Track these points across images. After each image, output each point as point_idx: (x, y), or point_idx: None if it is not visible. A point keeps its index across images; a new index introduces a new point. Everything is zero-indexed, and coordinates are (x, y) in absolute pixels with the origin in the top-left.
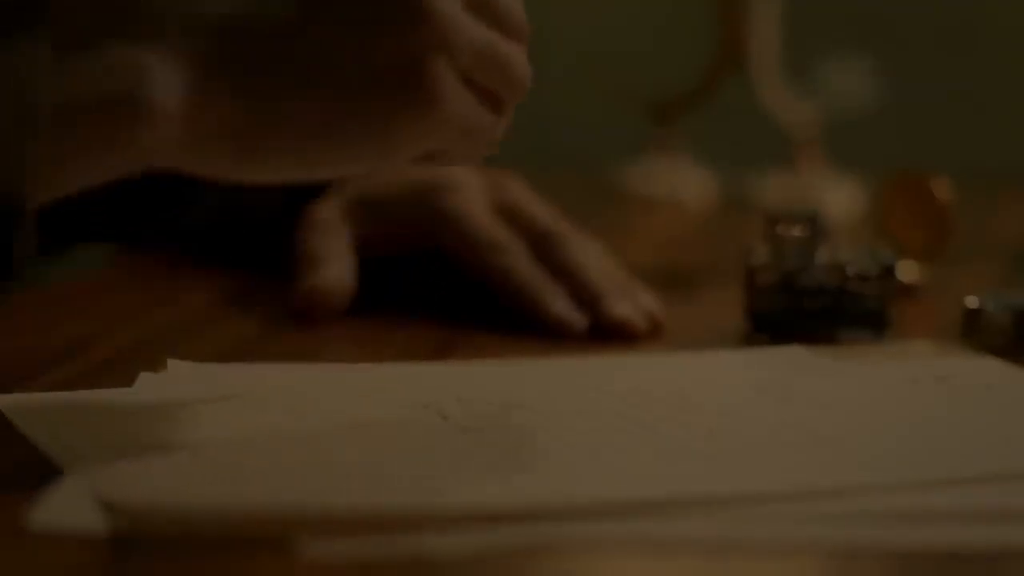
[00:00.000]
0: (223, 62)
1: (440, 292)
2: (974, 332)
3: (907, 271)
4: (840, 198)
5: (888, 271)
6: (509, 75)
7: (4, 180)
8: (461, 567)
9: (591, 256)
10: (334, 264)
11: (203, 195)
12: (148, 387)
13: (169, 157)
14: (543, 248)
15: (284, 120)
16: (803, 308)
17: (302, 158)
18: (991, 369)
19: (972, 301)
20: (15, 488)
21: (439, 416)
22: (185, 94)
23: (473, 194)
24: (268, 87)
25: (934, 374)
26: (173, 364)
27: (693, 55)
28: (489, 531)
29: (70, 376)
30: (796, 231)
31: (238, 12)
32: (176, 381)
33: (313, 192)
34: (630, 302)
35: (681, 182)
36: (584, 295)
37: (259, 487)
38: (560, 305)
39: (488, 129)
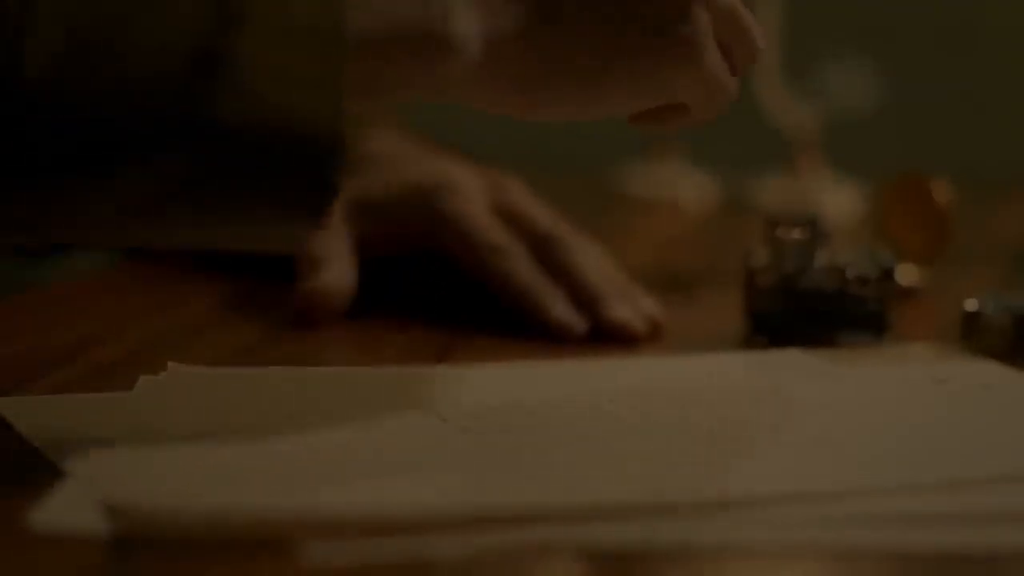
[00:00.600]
0: (510, 4)
1: (440, 294)
2: (973, 335)
3: (906, 274)
4: (840, 201)
5: (887, 274)
6: (749, 38)
7: (324, 116)
8: (461, 569)
9: (591, 259)
10: (334, 265)
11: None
12: (148, 390)
13: (460, 93)
14: (543, 250)
15: (564, 61)
16: (803, 311)
17: (576, 98)
18: (990, 372)
19: (971, 304)
20: (16, 490)
21: (439, 418)
22: (482, 33)
23: (473, 195)
24: (550, 30)
25: (933, 377)
26: (173, 367)
27: None
28: (489, 533)
29: (70, 379)
30: (796, 234)
31: None
32: (176, 384)
33: None
34: (630, 305)
35: (681, 185)
36: (584, 298)
37: (259, 490)
38: (560, 308)
39: (728, 89)
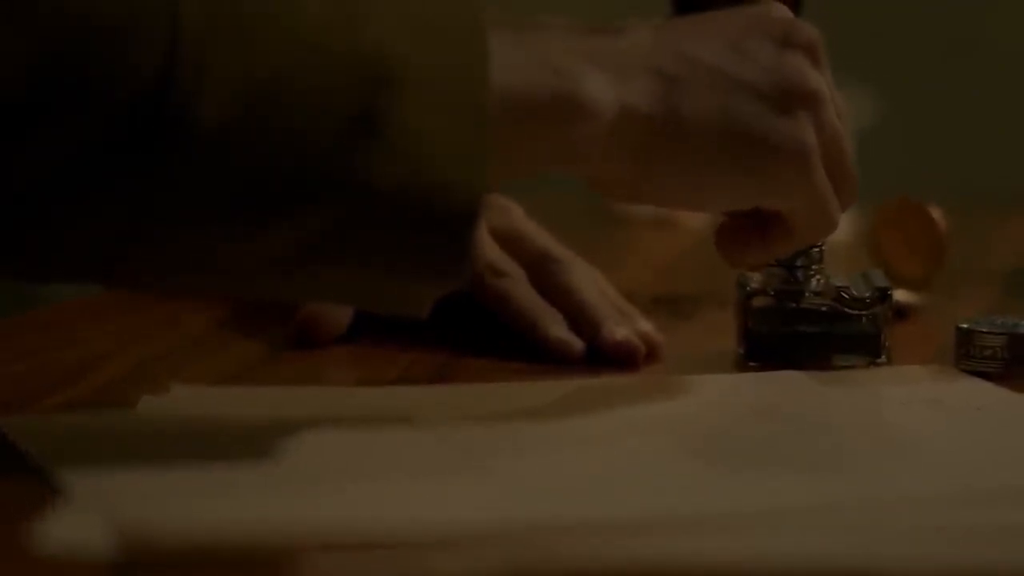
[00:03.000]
0: (641, 77)
1: (439, 314)
2: (967, 356)
3: (901, 296)
4: None
5: (883, 296)
6: (847, 172)
7: (467, 183)
8: None
9: (589, 281)
10: None
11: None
12: (150, 410)
13: (589, 162)
14: (541, 272)
15: (682, 140)
16: (798, 333)
17: (684, 180)
18: (984, 392)
19: (965, 324)
20: (19, 509)
21: (438, 439)
22: (615, 98)
23: None
24: (674, 107)
25: (927, 398)
26: (175, 387)
27: None
28: (488, 550)
29: (73, 399)
30: (791, 256)
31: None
32: (178, 404)
33: None
34: (628, 326)
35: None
36: (582, 319)
37: (261, 508)
38: (558, 329)
39: (833, 214)
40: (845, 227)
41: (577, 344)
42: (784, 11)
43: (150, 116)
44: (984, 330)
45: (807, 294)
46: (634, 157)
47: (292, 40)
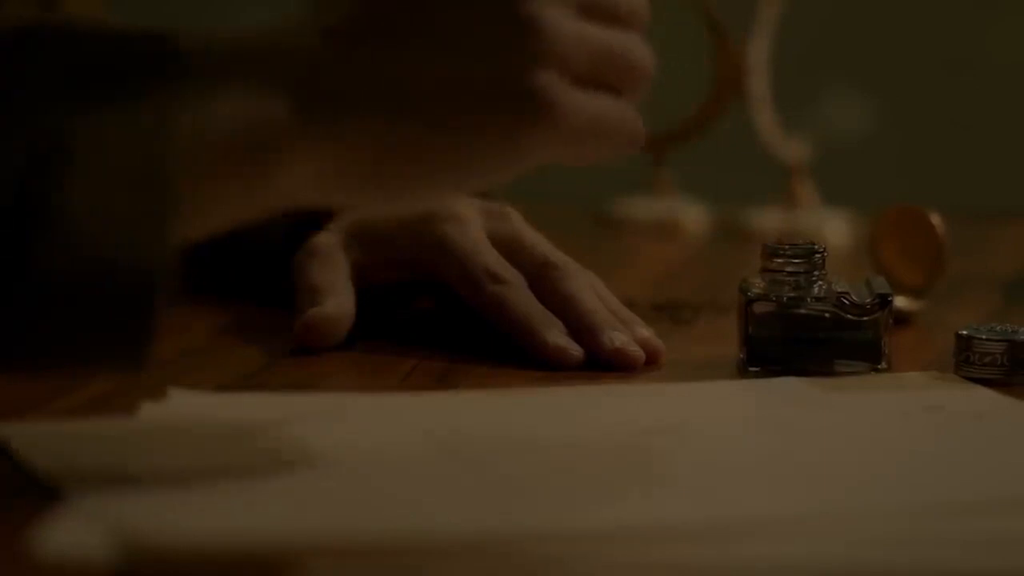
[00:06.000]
0: (340, 99)
1: (438, 321)
2: (967, 362)
3: (902, 303)
4: (835, 230)
5: (883, 303)
6: (628, 70)
7: (140, 256)
8: None
9: (588, 288)
10: (333, 294)
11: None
12: (151, 417)
13: (305, 195)
14: (541, 279)
15: (406, 148)
16: (799, 339)
17: (431, 181)
18: (984, 399)
19: (965, 331)
20: (17, 518)
21: (438, 446)
22: (315, 135)
23: (471, 224)
24: (384, 119)
25: (926, 404)
26: (175, 394)
27: (688, 89)
28: (486, 557)
29: (72, 406)
30: (792, 263)
31: (341, 52)
32: (178, 411)
33: (314, 222)
34: (627, 334)
35: (677, 215)
36: (581, 326)
37: (262, 516)
38: (556, 336)
39: (622, 124)
40: (846, 234)
41: (576, 351)
42: None
43: None
44: (984, 337)
45: (808, 300)
46: (358, 183)
47: None
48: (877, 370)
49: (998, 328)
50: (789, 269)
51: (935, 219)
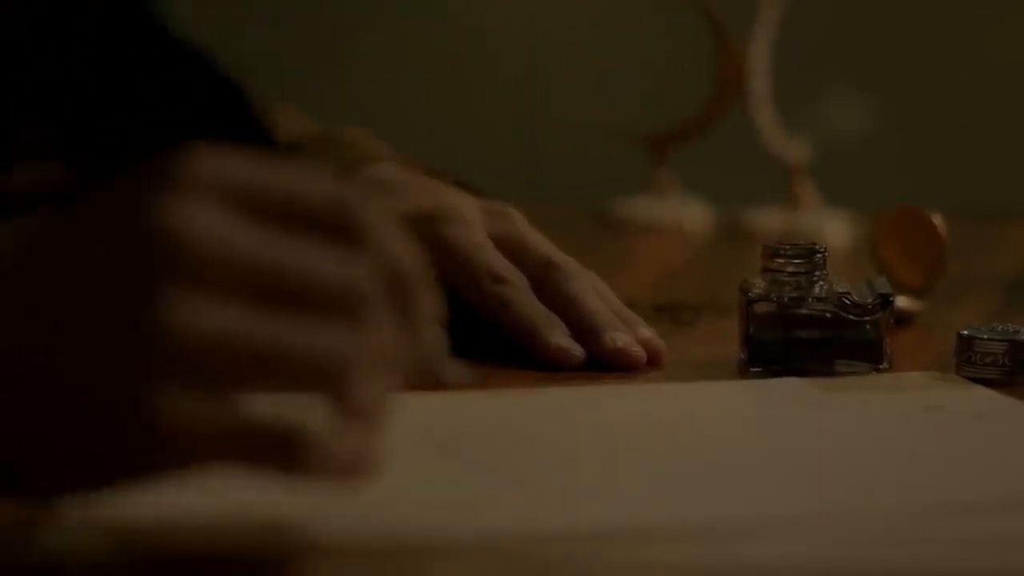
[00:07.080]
0: None
1: (440, 322)
2: (968, 362)
3: (903, 303)
4: (836, 230)
5: (884, 303)
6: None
7: None
8: None
9: (590, 288)
10: None
11: None
12: None
13: None
14: (542, 280)
15: (29, 439)
16: (799, 339)
17: (69, 472)
18: (984, 399)
19: (966, 332)
20: (14, 513)
21: (438, 446)
22: None
23: (473, 224)
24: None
25: (926, 404)
26: None
27: (689, 89)
28: (487, 557)
29: None
30: (793, 263)
31: None
32: None
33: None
34: (629, 334)
35: (678, 215)
36: (583, 326)
37: (261, 516)
38: (558, 336)
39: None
40: (846, 235)
41: (577, 351)
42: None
43: None
44: (985, 337)
45: (809, 300)
46: None
47: None
48: (878, 370)
49: (999, 328)
50: (790, 269)
51: (936, 219)
